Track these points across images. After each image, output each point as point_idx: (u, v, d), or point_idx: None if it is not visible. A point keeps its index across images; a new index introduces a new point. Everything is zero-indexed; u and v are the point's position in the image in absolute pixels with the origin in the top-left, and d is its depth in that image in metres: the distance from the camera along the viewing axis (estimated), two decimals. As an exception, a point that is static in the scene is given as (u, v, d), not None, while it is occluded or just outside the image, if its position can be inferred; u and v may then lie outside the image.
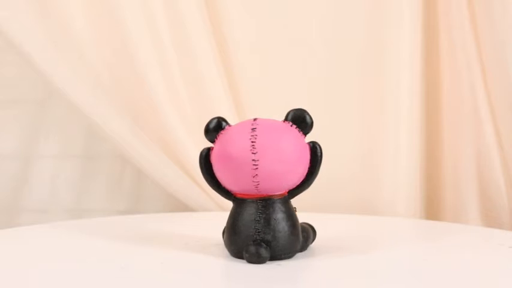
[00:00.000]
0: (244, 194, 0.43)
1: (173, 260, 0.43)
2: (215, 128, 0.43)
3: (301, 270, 0.40)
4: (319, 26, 0.80)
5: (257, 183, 0.41)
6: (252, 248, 0.41)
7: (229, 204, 0.45)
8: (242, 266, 0.41)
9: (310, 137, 0.44)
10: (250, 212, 0.42)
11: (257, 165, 0.40)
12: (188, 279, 0.38)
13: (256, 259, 0.41)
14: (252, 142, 0.40)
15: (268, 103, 0.80)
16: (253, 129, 0.41)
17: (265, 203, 0.42)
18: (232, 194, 0.44)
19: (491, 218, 0.73)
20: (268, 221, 0.41)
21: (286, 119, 0.43)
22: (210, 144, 0.45)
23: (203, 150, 0.44)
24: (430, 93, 0.79)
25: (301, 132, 0.43)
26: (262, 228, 0.41)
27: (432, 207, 0.79)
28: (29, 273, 0.39)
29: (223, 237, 0.45)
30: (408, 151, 0.75)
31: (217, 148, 0.43)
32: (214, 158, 0.43)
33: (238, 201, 0.43)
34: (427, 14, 0.77)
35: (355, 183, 0.77)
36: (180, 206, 0.79)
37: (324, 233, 0.54)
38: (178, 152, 0.75)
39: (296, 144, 0.42)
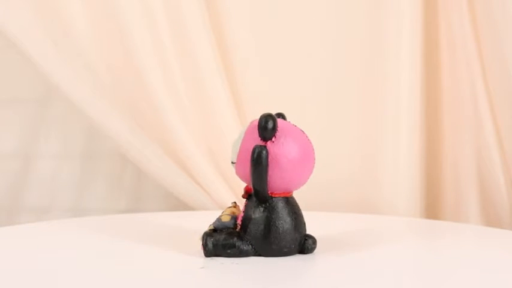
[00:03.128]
0: (286, 193, 0.44)
1: (172, 259, 0.43)
2: (276, 127, 0.43)
3: (301, 269, 0.40)
4: (320, 26, 0.80)
5: (307, 180, 0.45)
6: (314, 239, 0.45)
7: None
8: (242, 265, 0.41)
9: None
10: (298, 208, 0.45)
11: (315, 164, 0.45)
12: (188, 278, 0.38)
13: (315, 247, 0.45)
14: (311, 143, 0.45)
15: (268, 103, 0.80)
16: (303, 132, 0.45)
17: (294, 199, 0.45)
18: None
19: (491, 217, 0.73)
20: (302, 215, 0.45)
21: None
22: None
23: (263, 148, 0.42)
24: (430, 93, 0.79)
25: None
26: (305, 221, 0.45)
27: (432, 207, 0.79)
28: (28, 271, 0.39)
29: (207, 243, 0.43)
30: (408, 150, 0.75)
31: (291, 148, 0.42)
32: (282, 157, 0.42)
33: (279, 200, 0.44)
34: (427, 14, 0.77)
35: (355, 183, 0.77)
36: (180, 205, 0.79)
37: (324, 232, 0.54)
38: (178, 151, 0.75)
39: None
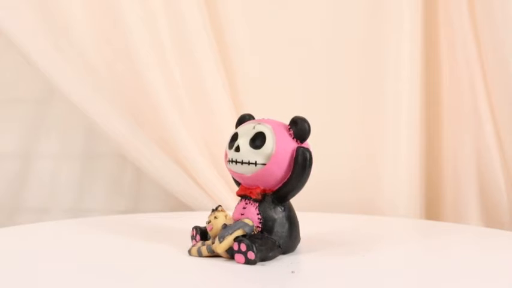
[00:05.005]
0: None
1: (172, 259, 0.43)
2: None
3: (300, 269, 0.40)
4: (319, 26, 0.80)
5: None
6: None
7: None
8: (243, 265, 0.41)
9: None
10: None
11: None
12: (187, 278, 0.38)
13: None
14: None
15: (268, 103, 0.80)
16: None
17: None
18: None
19: (491, 217, 0.73)
20: None
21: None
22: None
23: (309, 151, 0.43)
24: (430, 93, 0.79)
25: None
26: None
27: (433, 207, 0.79)
28: (28, 271, 0.39)
29: (260, 250, 0.41)
30: (408, 151, 0.75)
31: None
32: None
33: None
34: (427, 14, 0.77)
35: (355, 183, 0.77)
36: (180, 205, 0.79)
37: (324, 232, 0.54)
38: (178, 152, 0.75)
39: None
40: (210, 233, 0.44)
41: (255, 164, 0.43)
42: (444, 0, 0.76)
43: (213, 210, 0.44)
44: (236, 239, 0.41)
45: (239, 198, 0.45)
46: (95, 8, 0.76)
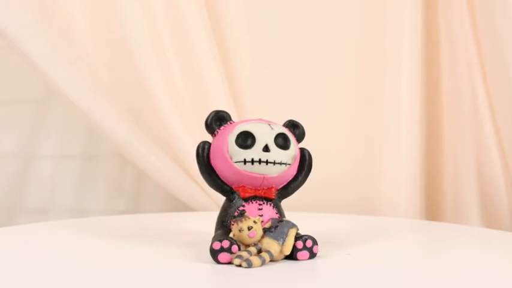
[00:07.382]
0: None
1: (172, 259, 0.43)
2: None
3: (299, 270, 0.40)
4: (319, 26, 0.80)
5: None
6: None
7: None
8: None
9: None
10: None
11: None
12: (185, 278, 0.38)
13: None
14: None
15: (268, 103, 0.80)
16: None
17: None
18: None
19: (490, 217, 0.73)
20: None
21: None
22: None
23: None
24: (430, 93, 0.79)
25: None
26: None
27: (433, 207, 0.79)
28: (28, 271, 0.39)
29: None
30: (408, 151, 0.75)
31: None
32: None
33: None
34: (427, 14, 0.77)
35: (355, 183, 0.77)
36: (180, 205, 0.79)
37: (323, 232, 0.54)
38: (178, 152, 0.75)
39: None
40: (251, 240, 0.41)
41: (286, 164, 0.43)
42: (444, 0, 0.76)
43: (236, 217, 0.42)
44: (298, 238, 0.41)
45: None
46: (95, 8, 0.77)
